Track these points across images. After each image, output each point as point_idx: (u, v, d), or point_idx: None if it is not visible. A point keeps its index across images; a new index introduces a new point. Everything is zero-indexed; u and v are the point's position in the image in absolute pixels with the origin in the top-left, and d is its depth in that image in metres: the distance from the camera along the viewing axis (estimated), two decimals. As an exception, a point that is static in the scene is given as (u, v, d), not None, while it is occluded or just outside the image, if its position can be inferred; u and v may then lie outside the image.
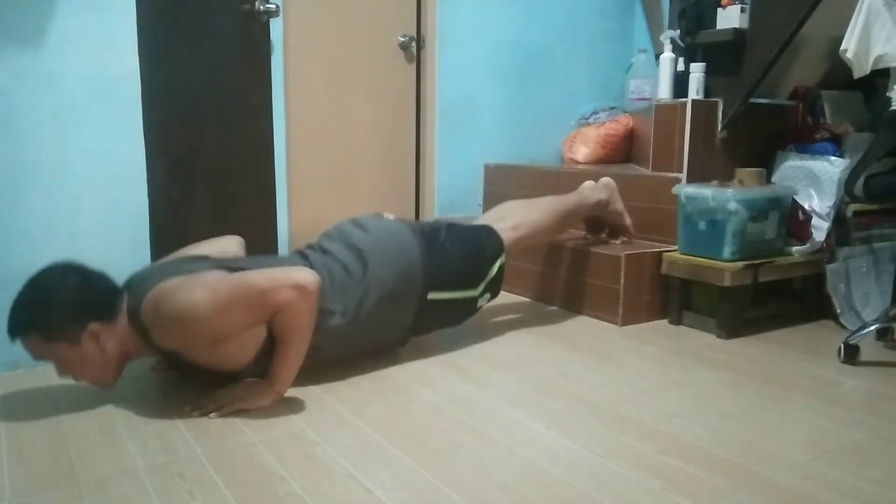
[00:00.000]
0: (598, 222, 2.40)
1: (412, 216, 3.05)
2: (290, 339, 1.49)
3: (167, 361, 1.61)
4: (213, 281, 1.45)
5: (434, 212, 3.00)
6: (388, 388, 1.65)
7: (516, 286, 2.62)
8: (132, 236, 1.86)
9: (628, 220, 2.35)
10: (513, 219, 2.06)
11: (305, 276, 1.47)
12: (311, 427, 1.42)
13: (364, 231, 1.79)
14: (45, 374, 1.72)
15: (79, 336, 1.44)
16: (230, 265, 1.57)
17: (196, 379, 1.58)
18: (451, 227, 1.94)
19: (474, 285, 1.89)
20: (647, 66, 3.03)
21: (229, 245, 1.81)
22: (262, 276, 1.45)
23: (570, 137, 3.19)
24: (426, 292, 1.78)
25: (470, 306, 1.92)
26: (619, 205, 2.33)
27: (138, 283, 1.51)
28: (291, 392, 1.57)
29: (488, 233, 1.98)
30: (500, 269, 1.95)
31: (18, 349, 1.74)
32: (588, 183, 2.32)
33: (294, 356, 1.51)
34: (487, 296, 1.95)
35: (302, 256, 1.73)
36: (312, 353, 1.56)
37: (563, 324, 2.24)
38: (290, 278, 1.45)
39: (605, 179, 2.33)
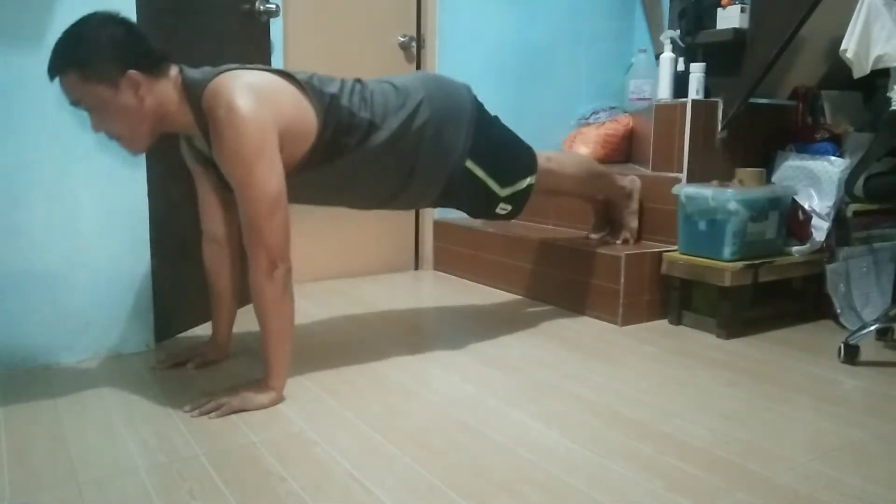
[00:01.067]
0: (606, 216, 2.41)
1: (412, 217, 3.06)
2: (264, 323, 1.51)
3: (199, 144, 1.61)
4: (268, 151, 1.46)
5: (434, 212, 3.00)
6: (387, 388, 1.65)
7: (516, 285, 2.62)
8: (132, 236, 1.86)
9: (636, 223, 2.36)
10: (548, 153, 2.09)
11: (285, 259, 1.48)
12: (311, 427, 1.42)
13: (419, 74, 1.85)
14: (45, 374, 1.73)
15: (117, 80, 1.42)
16: (310, 83, 1.60)
17: (215, 182, 1.66)
18: (499, 120, 1.96)
19: (503, 184, 1.88)
20: (647, 66, 3.03)
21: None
22: (278, 213, 1.46)
23: (570, 137, 3.19)
24: (465, 155, 1.79)
25: (491, 202, 1.91)
26: (635, 204, 2.36)
27: (211, 69, 1.53)
28: (291, 392, 1.57)
29: (528, 147, 2.00)
30: (529, 188, 1.95)
31: (17, 349, 1.74)
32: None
33: (274, 344, 1.51)
34: (509, 207, 1.94)
35: (359, 81, 1.71)
36: (358, 170, 1.64)
37: (563, 324, 2.24)
38: (280, 248, 1.47)
39: (633, 177, 2.38)
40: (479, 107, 1.86)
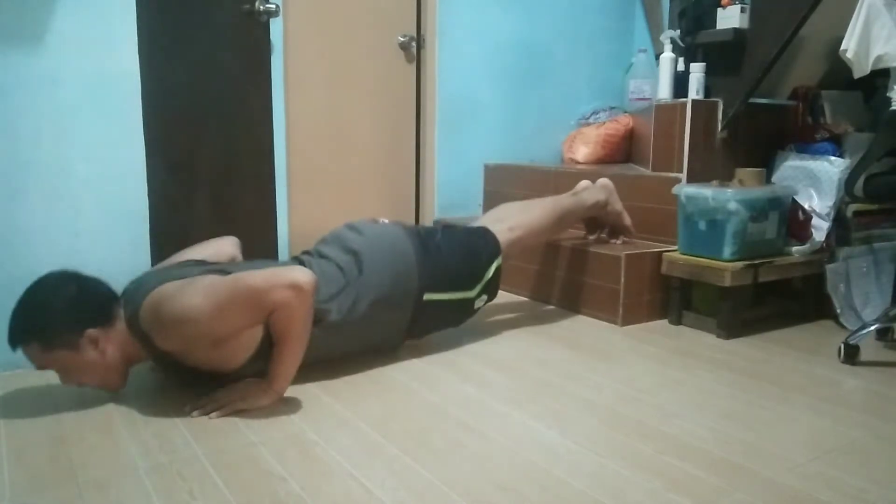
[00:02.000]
0: (597, 222, 2.40)
1: (412, 216, 3.06)
2: (287, 338, 1.49)
3: (164, 368, 1.61)
4: (210, 284, 1.45)
5: (434, 212, 3.00)
6: (387, 388, 1.65)
7: (516, 286, 2.62)
8: (132, 236, 1.86)
9: (628, 220, 2.35)
10: (509, 220, 2.07)
11: (301, 275, 1.47)
12: (311, 427, 1.42)
13: (359, 234, 1.81)
14: (45, 375, 1.72)
15: (77, 342, 1.46)
16: (225, 269, 1.58)
17: (193, 383, 1.58)
18: (447, 230, 1.95)
19: (470, 287, 1.89)
20: (647, 66, 3.03)
21: (225, 246, 1.82)
22: (259, 277, 1.46)
23: (570, 137, 3.19)
24: (422, 293, 1.79)
25: (467, 308, 1.92)
26: (617, 205, 2.33)
27: (134, 291, 1.52)
28: (291, 392, 1.57)
29: (484, 234, 1.99)
30: (497, 270, 1.95)
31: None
32: (584, 182, 2.32)
33: (291, 355, 1.51)
34: (485, 297, 1.95)
35: (298, 262, 1.74)
36: (307, 354, 1.56)
37: (563, 324, 2.24)
38: (286, 277, 1.45)
39: (603, 180, 2.33)
40: (422, 240, 1.84)
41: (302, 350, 1.52)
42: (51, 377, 1.70)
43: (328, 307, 1.64)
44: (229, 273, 1.54)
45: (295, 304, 1.46)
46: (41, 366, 1.48)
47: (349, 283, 1.69)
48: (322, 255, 1.76)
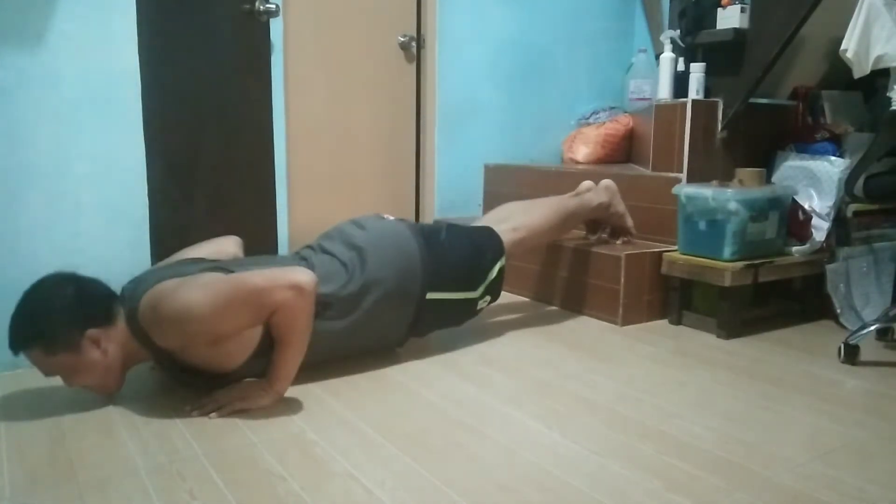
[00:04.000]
0: (599, 222, 2.40)
1: (412, 216, 3.06)
2: (288, 339, 1.49)
3: (164, 367, 1.61)
4: (211, 281, 1.45)
5: (434, 212, 3.00)
6: (387, 388, 1.65)
7: (516, 286, 2.62)
8: (132, 236, 1.86)
9: (630, 221, 2.35)
10: (513, 220, 2.06)
11: (302, 276, 1.47)
12: (311, 427, 1.42)
13: (363, 230, 1.80)
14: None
15: (79, 344, 1.45)
16: (226, 267, 1.58)
17: (193, 382, 1.58)
18: (451, 228, 1.94)
19: (474, 287, 1.89)
20: (647, 66, 3.04)
21: (227, 246, 1.82)
22: (260, 276, 1.46)
23: (570, 137, 3.19)
24: (425, 292, 1.78)
25: (470, 308, 1.92)
26: (620, 206, 2.33)
27: (133, 289, 1.52)
28: (291, 392, 1.57)
29: (489, 234, 1.98)
30: (501, 271, 1.95)
31: (18, 349, 1.74)
32: (587, 183, 2.31)
33: (293, 356, 1.51)
34: (488, 298, 1.95)
35: (300, 258, 1.74)
36: (309, 350, 1.55)
37: (563, 324, 2.24)
38: (288, 278, 1.46)
39: (606, 182, 2.32)
40: (427, 238, 1.83)
41: (303, 351, 1.52)
42: (50, 377, 1.70)
43: (331, 303, 1.64)
44: (230, 271, 1.54)
45: (296, 304, 1.46)
46: (46, 371, 1.48)
47: (352, 279, 1.69)
48: (325, 251, 1.76)
